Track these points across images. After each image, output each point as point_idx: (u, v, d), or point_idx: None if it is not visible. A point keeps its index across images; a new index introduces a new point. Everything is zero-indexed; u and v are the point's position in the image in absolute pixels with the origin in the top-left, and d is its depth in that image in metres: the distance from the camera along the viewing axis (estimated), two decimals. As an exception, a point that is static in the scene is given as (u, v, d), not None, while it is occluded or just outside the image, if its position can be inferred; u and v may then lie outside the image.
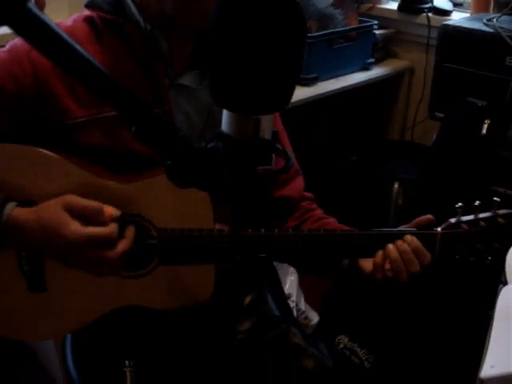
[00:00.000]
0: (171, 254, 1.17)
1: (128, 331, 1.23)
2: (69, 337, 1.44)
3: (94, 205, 1.08)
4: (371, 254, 1.20)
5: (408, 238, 1.17)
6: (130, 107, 0.78)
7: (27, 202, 1.09)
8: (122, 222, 1.13)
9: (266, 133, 0.83)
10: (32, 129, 1.15)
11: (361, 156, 2.92)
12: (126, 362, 1.02)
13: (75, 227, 1.04)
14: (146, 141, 0.80)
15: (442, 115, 2.39)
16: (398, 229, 1.22)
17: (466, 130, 2.18)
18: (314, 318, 2.51)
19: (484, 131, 2.09)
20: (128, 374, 1.01)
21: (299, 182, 1.43)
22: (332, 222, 1.37)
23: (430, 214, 2.28)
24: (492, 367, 0.84)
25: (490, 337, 0.92)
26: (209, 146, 0.89)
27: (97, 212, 1.07)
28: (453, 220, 1.20)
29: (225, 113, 0.83)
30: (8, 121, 1.13)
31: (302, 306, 2.55)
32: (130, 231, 1.12)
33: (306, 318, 2.50)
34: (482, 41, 2.22)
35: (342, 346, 2.06)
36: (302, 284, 2.58)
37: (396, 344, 2.05)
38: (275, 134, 0.86)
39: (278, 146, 0.88)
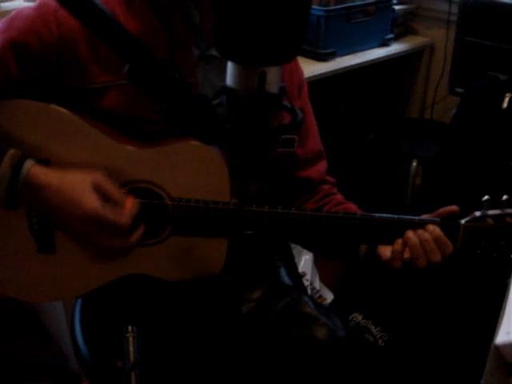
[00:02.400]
0: (184, 225, 1.14)
1: (135, 297, 1.21)
2: (77, 309, 1.42)
3: (119, 194, 1.07)
4: (391, 242, 1.16)
5: (430, 227, 1.13)
6: (125, 45, 0.75)
7: (41, 160, 1.08)
8: (136, 188, 1.10)
9: (272, 87, 0.80)
10: (52, 89, 1.12)
11: (379, 134, 2.87)
12: (129, 328, 1.00)
13: (96, 203, 1.03)
14: (137, 81, 0.77)
15: (462, 90, 2.34)
16: (421, 217, 1.17)
17: (486, 105, 2.12)
18: (329, 296, 2.48)
19: (505, 105, 2.03)
20: (131, 339, 0.99)
21: (322, 165, 1.40)
22: (353, 207, 1.33)
23: (448, 191, 2.23)
24: (508, 333, 0.80)
25: (506, 304, 0.88)
26: (214, 102, 0.86)
27: (120, 202, 1.07)
28: (478, 213, 1.16)
29: (229, 65, 0.79)
30: (29, 78, 1.10)
31: (317, 284, 2.52)
32: (141, 229, 1.11)
33: (321, 296, 2.48)
34: (503, 13, 2.16)
35: (354, 322, 2.03)
36: (317, 263, 2.55)
37: (410, 322, 2.02)
38: (283, 89, 0.82)
39: (286, 103, 0.85)
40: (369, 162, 2.90)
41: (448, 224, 1.14)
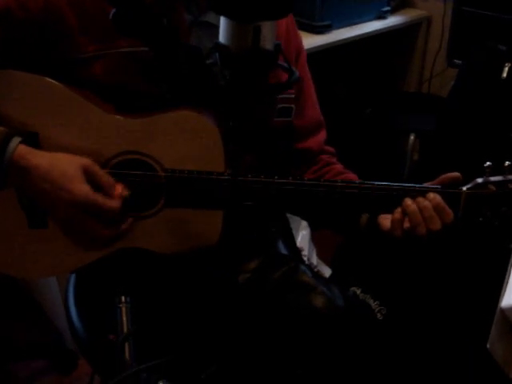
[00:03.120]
0: (178, 197, 1.11)
1: (129, 269, 1.18)
2: (71, 286, 1.40)
3: (108, 179, 1.06)
4: (391, 210, 1.13)
5: (430, 194, 1.10)
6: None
7: (29, 133, 1.05)
8: (128, 159, 1.08)
9: (267, 43, 0.77)
10: (40, 60, 1.09)
11: (376, 108, 2.84)
12: (122, 298, 0.98)
13: (85, 188, 1.02)
14: (124, 27, 0.74)
15: (460, 62, 2.31)
16: (421, 185, 1.14)
17: (486, 75, 2.09)
18: (326, 272, 2.47)
19: (504, 75, 2.00)
20: (124, 309, 0.97)
21: (321, 135, 1.38)
22: (352, 176, 1.31)
23: (447, 165, 2.21)
24: (513, 296, 0.78)
25: (510, 268, 0.86)
26: (207, 62, 0.83)
27: (109, 186, 1.06)
28: (480, 180, 1.13)
29: (222, 21, 0.76)
30: (15, 47, 1.08)
31: (314, 260, 2.51)
32: (128, 221, 1.10)
33: (318, 271, 2.46)
34: (501, -18, 2.13)
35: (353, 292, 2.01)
36: (314, 238, 2.53)
37: (410, 294, 2.00)
38: (278, 47, 0.79)
39: (282, 62, 0.82)
40: (366, 137, 2.87)
41: (449, 191, 1.12)
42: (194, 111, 1.06)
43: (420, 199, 1.10)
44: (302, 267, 1.27)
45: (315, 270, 2.43)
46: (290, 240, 1.56)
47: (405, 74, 3.17)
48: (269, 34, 0.76)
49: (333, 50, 2.53)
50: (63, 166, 1.03)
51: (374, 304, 1.95)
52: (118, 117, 1.08)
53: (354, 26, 2.65)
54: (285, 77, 0.84)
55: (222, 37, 0.77)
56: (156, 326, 1.17)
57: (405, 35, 3.01)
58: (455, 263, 2.03)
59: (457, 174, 1.13)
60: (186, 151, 1.09)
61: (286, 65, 0.81)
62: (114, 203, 1.05)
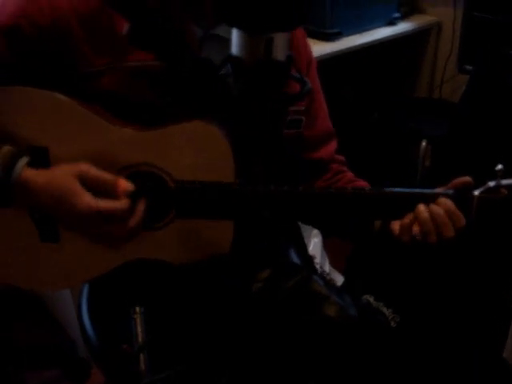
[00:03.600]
0: (188, 207, 1.11)
1: (142, 279, 1.19)
2: (85, 293, 1.41)
3: (107, 177, 1.03)
4: (401, 216, 1.12)
5: (442, 200, 1.09)
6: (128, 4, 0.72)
7: (39, 148, 1.06)
8: (137, 171, 1.08)
9: (279, 54, 0.77)
10: (48, 74, 1.09)
11: (387, 114, 2.84)
12: (137, 309, 0.98)
13: (87, 199, 1.00)
14: (139, 41, 0.74)
15: (471, 68, 2.30)
16: (432, 190, 1.14)
17: (496, 81, 2.08)
18: (339, 279, 2.46)
19: (516, 80, 2.00)
20: (138, 320, 0.97)
21: (332, 145, 1.37)
22: (363, 184, 1.30)
23: (458, 171, 2.20)
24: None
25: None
26: (220, 72, 0.83)
27: (110, 185, 1.03)
28: (492, 183, 1.11)
29: (234, 33, 0.77)
30: (24, 62, 1.08)
31: (327, 267, 2.50)
32: (141, 206, 1.07)
33: (331, 279, 2.45)
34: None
35: (365, 302, 2.01)
36: (327, 246, 2.53)
37: (423, 302, 1.99)
38: (290, 58, 0.80)
39: (294, 73, 0.82)
40: (377, 143, 2.87)
41: (461, 195, 1.11)
42: (203, 122, 1.06)
43: (432, 206, 1.09)
44: (315, 276, 1.27)
45: (328, 277, 2.43)
46: (302, 248, 1.55)
47: (415, 79, 3.16)
48: (281, 45, 0.77)
49: (343, 56, 2.53)
50: (60, 181, 1.02)
51: (387, 312, 1.94)
52: (126, 130, 1.08)
53: (364, 33, 2.65)
54: (296, 87, 0.84)
55: (235, 48, 0.77)
56: (170, 336, 1.17)
57: (415, 41, 3.01)
58: (468, 269, 2.02)
59: (468, 178, 1.12)
60: (196, 162, 1.09)
61: (298, 75, 0.81)
62: (119, 203, 1.03)
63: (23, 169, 1.00)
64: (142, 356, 0.96)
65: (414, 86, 3.18)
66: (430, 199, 1.10)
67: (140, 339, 0.97)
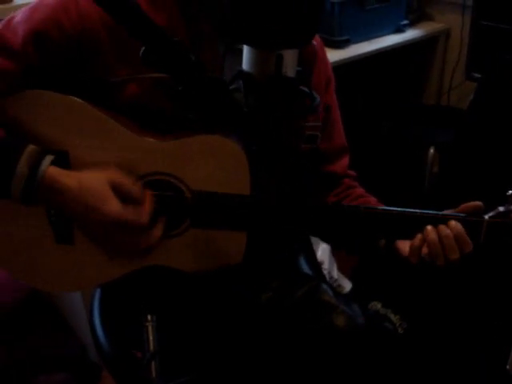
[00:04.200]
0: (203, 218, 1.13)
1: (154, 287, 1.20)
2: (96, 300, 1.43)
3: (137, 191, 1.06)
4: (411, 236, 1.13)
5: (452, 223, 1.10)
6: (141, 27, 0.74)
7: (59, 152, 1.07)
8: (155, 180, 1.09)
9: (289, 70, 0.79)
10: (72, 81, 1.11)
11: (395, 121, 2.84)
12: (149, 317, 1.00)
13: (117, 207, 1.03)
14: (152, 64, 0.76)
15: (479, 75, 2.31)
16: (443, 212, 1.15)
17: (505, 89, 2.09)
18: (347, 285, 2.47)
19: (524, 88, 2.00)
20: (150, 328, 0.99)
21: (345, 160, 1.39)
22: (373, 201, 1.32)
23: (466, 178, 2.21)
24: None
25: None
26: (231, 87, 0.85)
27: (139, 199, 1.06)
28: (502, 208, 1.12)
29: (245, 50, 0.79)
30: (50, 67, 1.09)
31: (335, 273, 2.51)
32: (162, 222, 1.10)
33: (339, 285, 2.46)
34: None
35: (373, 311, 2.02)
36: (335, 252, 2.54)
37: (430, 309, 2.00)
38: (300, 73, 0.82)
39: (303, 87, 0.84)
40: (385, 150, 2.87)
41: (471, 219, 1.11)
42: (222, 135, 1.07)
43: (441, 227, 1.10)
44: (324, 286, 1.28)
45: (336, 283, 2.44)
46: (312, 256, 1.57)
47: (423, 86, 3.17)
48: (291, 61, 0.78)
49: (351, 63, 2.54)
50: (92, 186, 1.03)
51: (394, 318, 1.95)
52: (146, 138, 1.10)
53: (372, 40, 2.66)
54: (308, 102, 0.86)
55: (246, 64, 0.79)
56: (180, 344, 1.18)
57: (423, 48, 3.01)
58: (475, 279, 2.03)
59: (478, 202, 1.13)
60: (213, 174, 1.10)
61: (307, 91, 0.83)
62: (144, 217, 1.05)
63: (49, 167, 1.01)
64: (153, 363, 0.97)
65: (422, 93, 3.18)
66: (440, 221, 1.11)
67: (151, 347, 0.98)
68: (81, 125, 1.09)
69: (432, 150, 2.66)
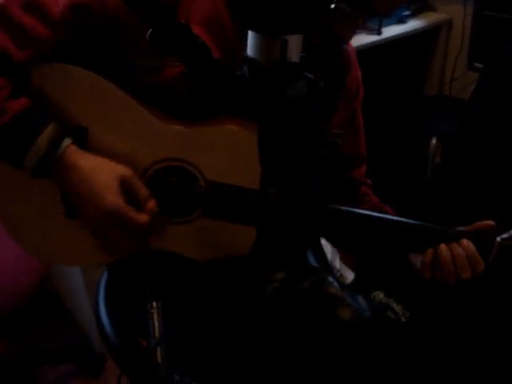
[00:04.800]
0: (215, 208, 1.13)
1: (159, 275, 1.21)
2: (102, 288, 1.43)
3: (145, 192, 1.07)
4: (422, 250, 1.13)
5: (464, 242, 1.10)
6: (148, 10, 0.74)
7: (79, 128, 1.08)
8: (172, 166, 1.10)
9: (293, 56, 0.79)
10: (102, 60, 1.11)
11: (398, 111, 2.85)
12: (154, 304, 1.00)
13: (119, 199, 1.04)
14: (159, 45, 0.76)
15: (481, 66, 2.31)
16: (456, 229, 1.15)
17: (507, 79, 2.09)
18: (350, 276, 2.47)
19: (526, 78, 2.00)
20: (155, 315, 0.99)
21: (364, 168, 1.41)
22: (389, 211, 1.32)
23: (469, 168, 2.20)
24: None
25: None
26: (237, 73, 0.85)
27: (144, 199, 1.07)
28: None
29: (250, 35, 0.79)
30: (84, 41, 1.08)
31: (337, 264, 2.52)
32: (152, 204, 1.10)
33: (341, 276, 2.47)
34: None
35: (377, 301, 2.02)
36: (337, 243, 2.54)
37: (433, 299, 2.00)
38: (305, 59, 0.82)
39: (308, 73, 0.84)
40: (387, 140, 2.87)
41: (483, 239, 1.11)
42: (241, 127, 1.07)
43: (454, 246, 1.10)
44: (330, 279, 1.29)
45: (338, 274, 2.44)
46: (319, 249, 1.57)
47: (426, 76, 3.17)
48: (295, 47, 0.79)
49: (353, 54, 2.54)
50: (103, 173, 1.04)
51: (397, 307, 1.95)
52: (167, 124, 1.10)
53: (374, 31, 2.66)
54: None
55: (250, 50, 0.80)
56: (185, 331, 1.19)
57: (425, 39, 3.01)
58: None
59: (491, 222, 1.13)
60: (228, 165, 1.11)
61: (311, 76, 0.83)
62: (143, 218, 1.06)
63: (68, 147, 1.03)
64: (159, 350, 0.98)
65: (424, 83, 3.18)
66: (453, 238, 1.11)
67: (157, 333, 0.99)
68: (104, 104, 1.10)
69: (434, 140, 2.66)
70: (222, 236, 1.16)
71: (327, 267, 1.55)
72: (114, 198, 1.03)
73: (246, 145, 1.09)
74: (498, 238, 1.11)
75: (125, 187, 1.05)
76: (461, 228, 1.15)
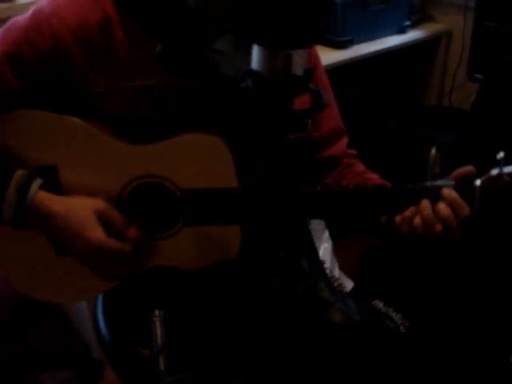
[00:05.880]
0: (195, 215, 1.15)
1: (158, 285, 1.22)
2: (100, 298, 1.44)
3: (122, 221, 1.10)
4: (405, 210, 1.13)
5: (445, 191, 1.09)
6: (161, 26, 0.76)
7: (47, 168, 1.10)
8: (144, 183, 1.12)
9: (297, 69, 0.80)
10: (51, 97, 1.14)
11: (397, 121, 2.86)
12: (156, 312, 1.02)
13: (100, 234, 1.07)
14: (168, 61, 0.78)
15: (481, 76, 2.32)
16: (434, 182, 1.14)
17: (506, 90, 2.10)
18: (348, 284, 2.48)
19: (526, 90, 2.01)
20: (158, 323, 1.00)
21: (343, 141, 1.39)
22: (373, 177, 1.32)
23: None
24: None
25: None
26: (242, 85, 0.86)
27: (122, 227, 1.10)
28: (494, 171, 1.09)
29: (255, 49, 0.80)
30: (29, 87, 1.12)
31: (336, 273, 2.52)
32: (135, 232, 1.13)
33: (340, 284, 2.47)
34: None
35: (376, 310, 2.02)
36: (336, 251, 2.55)
37: (432, 308, 2.01)
38: (308, 72, 0.83)
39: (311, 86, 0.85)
40: (387, 150, 2.88)
41: (463, 186, 1.09)
42: (202, 133, 1.10)
43: (439, 205, 1.08)
44: (321, 284, 1.29)
45: (337, 283, 2.44)
46: (313, 254, 1.58)
47: (425, 87, 3.18)
48: (299, 60, 0.80)
49: (354, 64, 2.56)
50: (78, 213, 1.07)
51: (396, 317, 1.96)
52: (131, 145, 1.12)
53: (374, 41, 2.68)
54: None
55: (255, 63, 0.81)
56: (187, 338, 1.19)
57: (425, 49, 3.03)
58: (475, 271, 2.04)
59: (470, 167, 1.12)
60: (199, 171, 1.12)
61: (315, 89, 0.84)
62: (126, 247, 1.09)
63: (37, 192, 1.05)
64: (161, 358, 0.99)
65: (424, 94, 3.20)
66: (433, 192, 1.09)
67: (159, 341, 1.00)
68: (68, 139, 1.12)
69: (434, 150, 2.67)
70: (209, 242, 1.18)
71: (320, 271, 1.56)
72: (93, 234, 1.06)
73: (214, 146, 1.10)
74: (478, 182, 1.09)
75: (102, 219, 1.08)
76: (440, 180, 1.13)
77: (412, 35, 2.83)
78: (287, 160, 1.29)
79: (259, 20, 0.74)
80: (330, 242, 2.51)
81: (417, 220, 1.10)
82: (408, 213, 1.11)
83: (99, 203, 1.09)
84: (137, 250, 1.11)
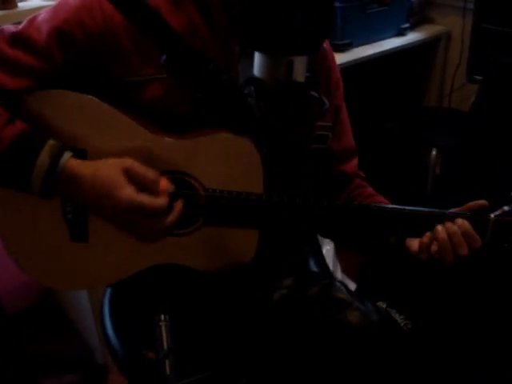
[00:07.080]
0: (216, 216, 1.15)
1: (166, 288, 1.22)
2: (106, 300, 1.44)
3: (151, 175, 1.08)
4: (420, 234, 1.17)
5: (459, 221, 1.13)
6: (163, 36, 0.77)
7: (78, 150, 1.10)
8: (170, 178, 1.11)
9: (299, 76, 0.82)
10: (94, 80, 1.14)
11: (397, 123, 2.87)
12: (162, 316, 1.02)
13: (129, 192, 1.04)
14: (173, 71, 0.79)
15: (480, 78, 2.33)
16: (450, 211, 1.18)
17: (506, 91, 2.11)
18: (351, 286, 2.48)
19: (525, 91, 2.02)
20: (164, 327, 1.01)
21: (355, 161, 1.42)
22: (383, 200, 1.35)
23: (468, 179, 2.22)
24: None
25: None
26: (244, 91, 0.87)
27: (153, 182, 1.07)
28: (507, 208, 1.16)
29: (256, 56, 0.81)
30: (73, 67, 1.11)
31: (339, 275, 2.53)
32: (179, 205, 1.11)
33: (343, 286, 2.48)
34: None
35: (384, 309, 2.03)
36: (338, 253, 2.56)
37: (435, 309, 2.01)
38: (310, 79, 0.84)
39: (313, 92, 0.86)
40: (387, 152, 2.89)
41: (477, 218, 1.15)
42: (235, 135, 1.09)
43: (449, 225, 1.13)
44: (337, 284, 1.30)
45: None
46: (320, 257, 1.59)
47: (425, 89, 3.19)
48: (301, 67, 0.81)
49: (353, 66, 2.56)
50: (105, 173, 1.06)
51: (399, 318, 1.96)
52: (163, 138, 1.12)
53: (374, 44, 2.69)
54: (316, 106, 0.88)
55: (257, 70, 0.82)
56: (193, 342, 1.20)
57: (424, 51, 3.04)
58: (480, 279, 2.04)
59: (484, 201, 1.16)
60: (227, 172, 1.12)
61: (317, 96, 0.85)
62: (160, 201, 1.06)
63: (69, 159, 1.05)
64: (167, 362, 0.99)
65: (424, 95, 3.20)
66: (447, 220, 1.14)
67: (165, 345, 1.01)
68: (100, 125, 1.12)
69: (434, 152, 2.68)
70: (226, 244, 1.17)
71: (329, 273, 1.57)
72: (123, 193, 1.04)
73: (246, 150, 1.10)
74: (492, 215, 1.14)
75: (131, 176, 1.06)
76: (454, 209, 1.17)
77: (411, 37, 2.83)
78: (308, 169, 1.31)
79: (260, 27, 0.75)
80: (332, 245, 2.52)
81: (433, 247, 1.14)
82: (426, 239, 1.15)
83: (127, 161, 1.07)
84: (170, 205, 1.09)
